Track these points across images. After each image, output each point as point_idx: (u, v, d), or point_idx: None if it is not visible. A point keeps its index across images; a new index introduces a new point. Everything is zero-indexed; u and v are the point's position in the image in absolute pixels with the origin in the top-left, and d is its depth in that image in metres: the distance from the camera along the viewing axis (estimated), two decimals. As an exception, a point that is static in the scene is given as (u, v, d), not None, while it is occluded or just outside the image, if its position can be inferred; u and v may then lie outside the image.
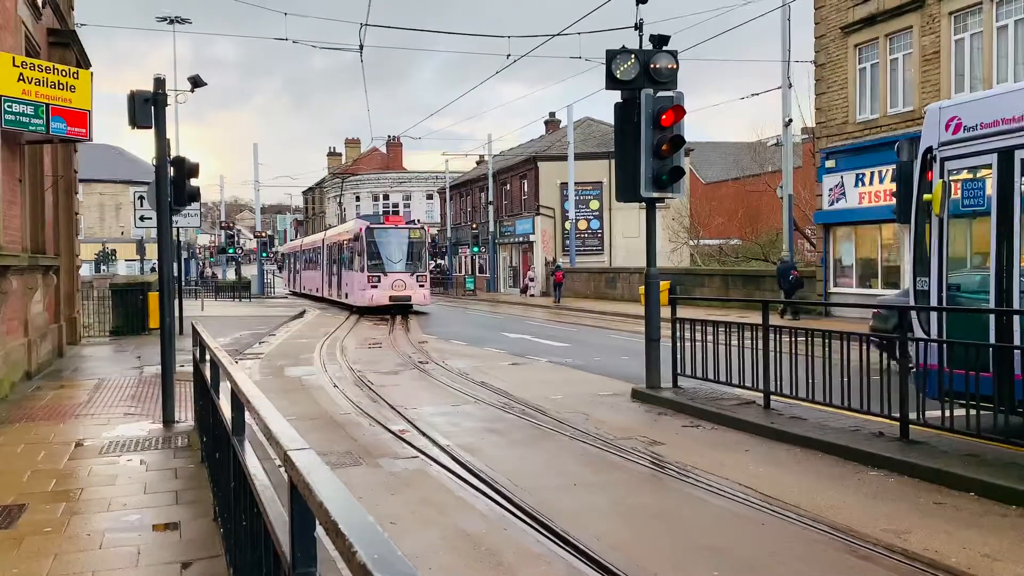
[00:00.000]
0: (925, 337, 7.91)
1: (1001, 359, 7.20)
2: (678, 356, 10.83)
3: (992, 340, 7.46)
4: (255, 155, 52.89)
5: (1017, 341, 7.26)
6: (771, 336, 9.24)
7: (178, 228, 19.46)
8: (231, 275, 66.92)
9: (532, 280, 42.17)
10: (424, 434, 8.91)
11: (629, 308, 29.06)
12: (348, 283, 33.57)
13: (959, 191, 8.09)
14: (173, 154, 10.16)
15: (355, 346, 19.00)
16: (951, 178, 8.08)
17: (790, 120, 24.78)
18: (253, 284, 49.55)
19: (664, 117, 10.29)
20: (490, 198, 49.06)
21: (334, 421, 9.90)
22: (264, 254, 52.90)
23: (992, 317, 7.51)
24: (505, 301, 40.90)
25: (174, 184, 10.09)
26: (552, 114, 55.98)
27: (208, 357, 6.02)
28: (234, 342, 19.28)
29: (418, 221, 34.58)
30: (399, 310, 30.89)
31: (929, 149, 8.22)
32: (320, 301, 41.22)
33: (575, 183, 40.81)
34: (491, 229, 49.12)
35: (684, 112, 10.36)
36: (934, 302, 8.12)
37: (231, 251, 50.07)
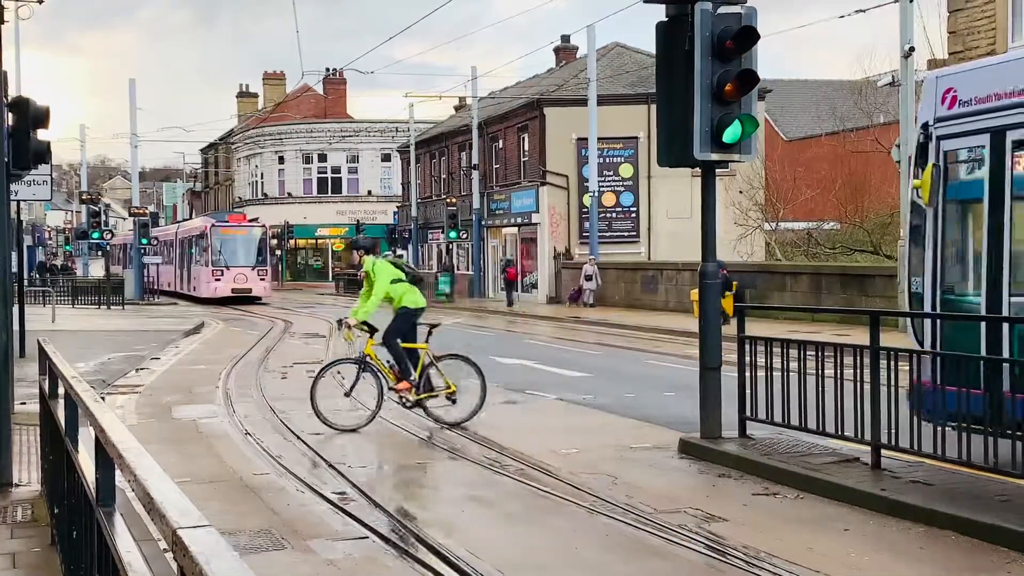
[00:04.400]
0: (919, 349, 9.57)
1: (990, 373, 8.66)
2: (747, 392, 10.86)
3: (983, 352, 9.01)
4: (132, 95, 52.70)
5: (1006, 352, 8.78)
6: (883, 363, 9.26)
7: (19, 202, 19.44)
8: (97, 270, 67.11)
9: (589, 278, 38.72)
10: (377, 504, 8.91)
11: (676, 321, 29.07)
12: (196, 276, 51.15)
13: (956, 176, 9.85)
14: (13, 93, 10.17)
15: (277, 376, 19.00)
16: (948, 161, 9.77)
17: (911, 49, 24.86)
18: (128, 283, 49.53)
19: (729, 43, 10.32)
20: (474, 160, 49.12)
21: (245, 485, 9.89)
22: (144, 240, 52.83)
23: (983, 325, 9.23)
24: (495, 311, 40.98)
25: (13, 138, 10.08)
26: (566, 38, 56.04)
27: (62, 391, 6.02)
28: (100, 368, 19.26)
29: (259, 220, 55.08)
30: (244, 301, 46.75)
31: (925, 126, 9.92)
32: (173, 295, 54.39)
33: (599, 139, 40.89)
34: (476, 205, 49.22)
35: (758, 36, 10.38)
36: (927, 307, 9.90)
37: (96, 235, 50.03)
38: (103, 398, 11.57)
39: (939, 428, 8.67)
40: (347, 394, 13.06)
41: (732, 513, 8.51)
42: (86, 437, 4.59)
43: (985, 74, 9.69)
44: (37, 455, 9.43)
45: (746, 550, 7.40)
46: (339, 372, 13.48)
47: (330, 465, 10.62)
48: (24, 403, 12.21)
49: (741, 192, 42.22)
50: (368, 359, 12.81)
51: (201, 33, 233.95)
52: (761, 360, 10.76)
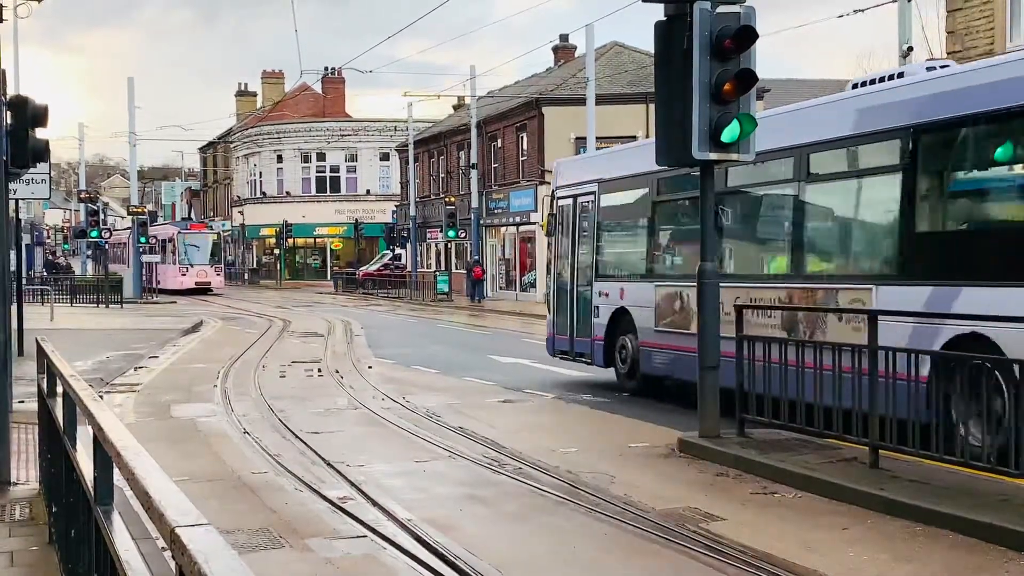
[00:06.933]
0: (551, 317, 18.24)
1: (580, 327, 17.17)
2: (745, 391, 10.87)
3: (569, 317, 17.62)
4: (130, 94, 52.66)
5: (575, 315, 17.33)
6: (881, 361, 9.26)
7: (18, 201, 19.43)
8: (87, 269, 67.41)
9: None
10: (375, 503, 8.91)
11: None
12: (163, 273, 62.28)
13: (561, 220, 17.83)
14: (12, 92, 10.16)
15: (275, 374, 19.01)
16: (558, 211, 17.92)
17: (910, 49, 24.85)
18: (127, 282, 49.52)
19: (728, 43, 10.32)
20: (473, 159, 49.10)
21: (244, 484, 9.89)
22: (143, 239, 52.84)
23: (570, 299, 17.53)
24: (494, 310, 40.99)
25: (12, 136, 10.07)
26: (564, 37, 56.00)
27: (60, 390, 6.02)
28: (99, 367, 19.27)
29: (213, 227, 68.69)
30: (202, 294, 57.86)
31: (552, 190, 18.46)
32: (145, 289, 60.31)
33: (597, 138, 40.83)
34: (474, 204, 49.19)
35: (757, 35, 10.39)
36: (551, 295, 18.32)
37: (95, 234, 50.03)
38: (101, 397, 11.56)
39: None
40: None
41: (730, 512, 8.51)
42: (84, 436, 4.58)
43: (574, 164, 20.02)
44: (35, 453, 9.43)
45: (744, 549, 7.40)
46: None
47: (328, 464, 10.62)
48: (23, 401, 12.20)
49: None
50: None
51: (201, 33, 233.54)
52: (760, 357, 10.75)
